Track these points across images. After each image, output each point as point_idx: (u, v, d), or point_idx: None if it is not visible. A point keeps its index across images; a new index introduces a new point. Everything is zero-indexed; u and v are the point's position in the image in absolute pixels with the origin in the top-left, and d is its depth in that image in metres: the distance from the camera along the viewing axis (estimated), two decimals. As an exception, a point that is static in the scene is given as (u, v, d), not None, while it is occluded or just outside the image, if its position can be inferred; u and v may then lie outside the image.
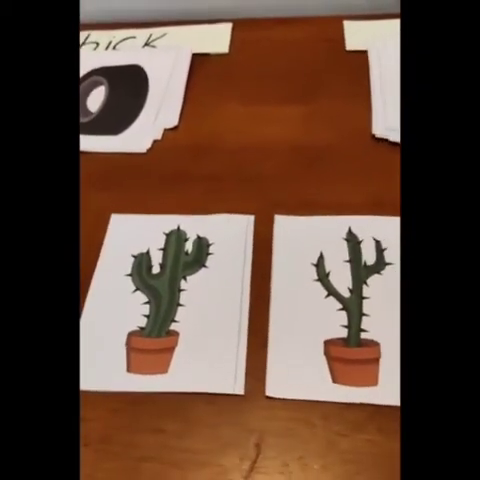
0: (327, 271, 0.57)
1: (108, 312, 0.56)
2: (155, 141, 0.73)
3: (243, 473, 0.46)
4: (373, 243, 0.59)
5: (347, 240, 0.59)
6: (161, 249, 0.61)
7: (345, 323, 0.54)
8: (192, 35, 0.88)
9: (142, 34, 0.88)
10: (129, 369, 0.53)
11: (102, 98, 0.79)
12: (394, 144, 0.68)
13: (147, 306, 0.57)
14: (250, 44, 0.85)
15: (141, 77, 0.81)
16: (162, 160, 0.70)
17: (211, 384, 0.51)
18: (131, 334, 0.55)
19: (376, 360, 0.51)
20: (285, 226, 0.61)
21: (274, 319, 0.54)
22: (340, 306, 0.55)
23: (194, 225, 0.62)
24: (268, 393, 0.50)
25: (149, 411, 0.50)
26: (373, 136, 0.70)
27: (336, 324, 0.54)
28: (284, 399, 0.50)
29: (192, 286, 0.58)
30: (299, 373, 0.51)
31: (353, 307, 0.54)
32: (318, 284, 0.56)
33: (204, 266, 0.59)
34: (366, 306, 0.54)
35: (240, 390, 0.50)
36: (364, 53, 0.81)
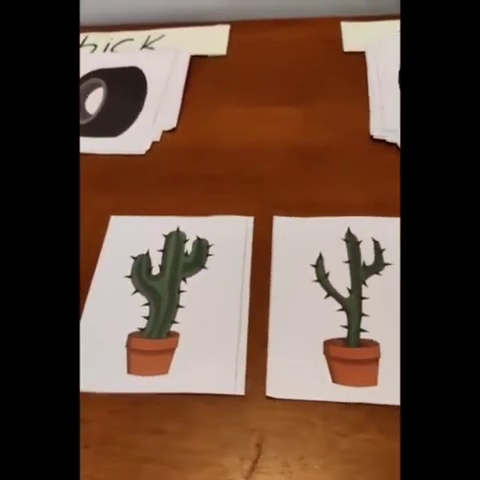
0: (326, 272, 0.57)
1: (108, 314, 0.57)
2: (154, 143, 0.73)
3: (244, 473, 0.46)
4: (372, 244, 0.59)
5: (346, 241, 0.60)
6: (161, 250, 0.61)
7: (345, 323, 0.54)
8: (190, 37, 0.88)
9: (140, 36, 0.89)
10: (129, 370, 0.53)
11: (100, 100, 0.79)
12: (392, 145, 0.69)
13: (147, 307, 0.57)
14: (248, 46, 0.86)
15: (139, 79, 0.82)
16: (161, 162, 0.71)
17: (211, 385, 0.51)
18: (131, 335, 0.55)
19: (376, 360, 0.51)
20: (284, 227, 0.62)
21: (274, 319, 0.54)
22: (339, 306, 0.55)
23: (193, 226, 0.63)
24: (268, 393, 0.50)
25: (149, 412, 0.50)
26: (371, 137, 0.70)
27: (336, 324, 0.54)
28: (284, 399, 0.50)
29: (192, 287, 0.58)
30: (299, 373, 0.51)
31: (352, 307, 0.55)
32: (317, 285, 0.57)
33: (204, 267, 0.59)
34: (365, 306, 0.55)
35: (240, 390, 0.50)
36: (362, 54, 0.81)
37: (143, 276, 0.59)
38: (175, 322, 0.55)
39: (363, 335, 0.53)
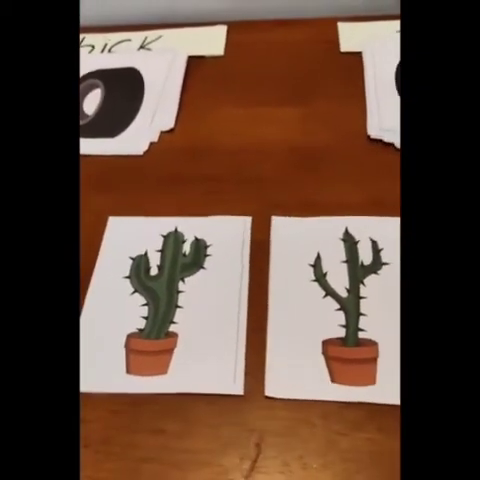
0: (324, 271, 0.57)
1: (107, 314, 0.57)
2: (152, 143, 0.73)
3: (243, 473, 0.47)
4: (370, 243, 0.59)
5: (344, 240, 0.60)
6: (159, 251, 0.61)
7: (343, 323, 0.54)
8: (187, 38, 0.88)
9: (137, 37, 0.89)
10: (128, 371, 0.53)
11: (98, 101, 0.79)
12: (389, 145, 0.69)
13: (145, 308, 0.57)
14: (245, 46, 0.86)
15: (137, 80, 0.82)
16: (159, 162, 0.71)
17: (211, 385, 0.51)
18: (130, 336, 0.55)
19: (374, 359, 0.51)
20: (282, 227, 0.62)
21: (272, 319, 0.55)
22: (338, 306, 0.55)
23: (192, 227, 0.63)
24: (267, 393, 0.50)
25: (149, 412, 0.50)
26: (368, 137, 0.71)
27: (334, 324, 0.54)
28: (283, 399, 0.50)
29: (190, 288, 0.58)
30: (298, 373, 0.51)
31: (351, 307, 0.55)
32: (315, 284, 0.57)
33: (202, 267, 0.59)
34: (363, 306, 0.55)
35: (239, 390, 0.50)
36: (359, 54, 0.82)
37: (141, 276, 0.59)
38: (174, 322, 0.55)
39: (361, 334, 0.53)
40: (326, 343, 0.53)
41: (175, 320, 0.56)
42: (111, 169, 0.70)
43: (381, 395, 0.49)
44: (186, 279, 0.59)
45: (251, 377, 0.51)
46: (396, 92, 0.76)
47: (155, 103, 0.78)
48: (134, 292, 0.58)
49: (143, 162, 0.71)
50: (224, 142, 0.72)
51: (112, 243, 0.62)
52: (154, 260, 0.60)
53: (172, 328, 0.55)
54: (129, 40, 0.88)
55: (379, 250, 0.58)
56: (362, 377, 0.51)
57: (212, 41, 0.87)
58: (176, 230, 0.62)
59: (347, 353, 0.52)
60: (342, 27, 0.87)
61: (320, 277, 0.57)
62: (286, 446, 0.48)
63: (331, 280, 0.57)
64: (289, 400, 0.50)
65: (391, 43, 0.83)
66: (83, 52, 0.87)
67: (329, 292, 0.56)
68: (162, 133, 0.74)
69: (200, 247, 0.61)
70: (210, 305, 0.56)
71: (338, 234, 0.60)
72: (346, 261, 0.58)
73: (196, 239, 0.61)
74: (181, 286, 0.58)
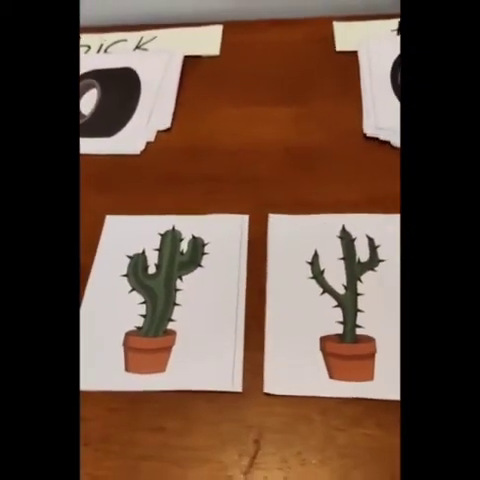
0: (322, 269, 0.58)
1: (105, 312, 0.57)
2: (148, 143, 0.73)
3: (242, 469, 0.47)
4: (366, 240, 0.59)
5: (341, 238, 0.60)
6: (156, 250, 0.61)
7: (340, 319, 0.54)
8: (183, 38, 0.88)
9: (133, 37, 0.89)
10: (127, 368, 0.53)
11: (94, 101, 0.79)
12: (385, 143, 0.69)
13: (143, 306, 0.57)
14: (241, 46, 0.86)
15: (133, 80, 0.82)
16: (156, 161, 0.71)
17: (209, 382, 0.51)
18: (128, 334, 0.55)
19: (372, 355, 0.52)
20: (279, 225, 0.62)
21: (270, 317, 0.55)
22: (335, 303, 0.55)
23: (189, 225, 0.63)
24: (266, 390, 0.50)
25: (148, 410, 0.50)
26: (364, 135, 0.71)
27: (332, 321, 0.54)
28: (282, 395, 0.50)
29: (188, 285, 0.58)
30: (296, 369, 0.51)
31: (348, 303, 0.55)
32: (313, 282, 0.57)
33: (200, 266, 0.60)
34: (361, 302, 0.55)
35: (238, 387, 0.51)
36: (354, 53, 0.82)
37: (139, 275, 0.59)
38: (172, 320, 0.56)
39: (359, 331, 0.53)
40: (324, 340, 0.53)
41: (173, 318, 0.56)
42: (108, 168, 0.70)
43: (379, 391, 0.49)
44: (184, 277, 0.59)
45: (249, 374, 0.51)
46: (392, 91, 0.76)
47: (151, 103, 0.78)
48: (132, 290, 0.58)
49: (140, 161, 0.71)
50: (220, 141, 0.72)
51: (110, 242, 0.62)
52: (152, 259, 0.60)
53: (170, 326, 0.55)
54: (125, 40, 0.89)
55: (376, 247, 0.59)
56: (360, 373, 0.51)
57: (208, 41, 0.87)
58: (173, 229, 0.62)
59: (345, 349, 0.53)
60: (337, 26, 0.87)
61: (317, 274, 0.57)
62: (285, 442, 0.48)
63: (328, 277, 0.57)
64: (287, 396, 0.50)
65: (386, 42, 0.84)
66: (79, 52, 0.87)
67: (326, 289, 0.56)
68: (159, 132, 0.74)
69: (197, 245, 0.61)
70: (208, 303, 0.56)
71: (335, 232, 0.61)
72: (343, 258, 0.58)
73: (193, 237, 0.62)
74: (179, 284, 0.58)
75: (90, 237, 0.62)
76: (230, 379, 0.51)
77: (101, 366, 0.53)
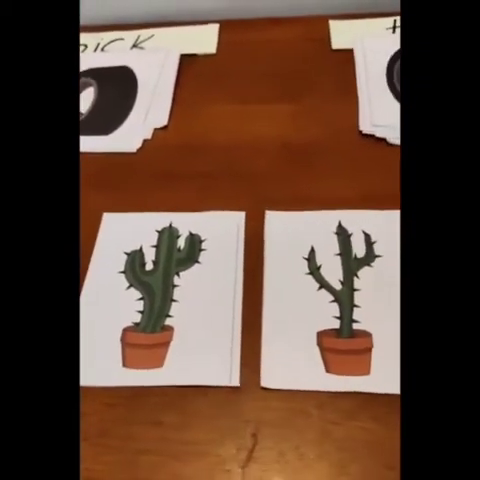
0: (318, 264, 0.58)
1: (102, 309, 0.57)
2: (145, 141, 0.73)
3: (240, 463, 0.47)
4: (363, 236, 0.60)
5: (337, 234, 0.60)
6: (154, 246, 0.61)
7: (337, 314, 0.54)
8: (180, 36, 0.88)
9: (130, 36, 0.89)
10: (125, 364, 0.53)
11: (91, 99, 0.80)
12: (380, 140, 0.70)
13: (141, 302, 0.57)
14: (237, 44, 0.86)
15: (130, 78, 0.82)
16: (153, 159, 0.71)
17: (207, 377, 0.51)
18: (126, 330, 0.55)
19: (368, 350, 0.52)
20: (276, 221, 0.62)
21: (267, 312, 0.55)
22: (332, 298, 0.56)
23: (186, 222, 0.63)
24: (263, 384, 0.51)
25: (146, 405, 0.51)
26: (360, 132, 0.71)
27: (328, 316, 0.55)
28: (279, 390, 0.50)
29: (185, 282, 0.58)
30: (293, 364, 0.52)
31: (345, 299, 0.55)
32: (310, 277, 0.57)
33: (197, 262, 0.60)
34: (357, 297, 0.55)
35: (235, 382, 0.51)
36: (350, 51, 0.82)
37: (137, 271, 0.59)
38: (169, 316, 0.56)
39: (355, 326, 0.54)
40: (321, 334, 0.53)
41: (171, 314, 0.56)
42: (105, 166, 0.70)
43: (375, 385, 0.50)
44: (181, 273, 0.59)
45: (247, 369, 0.52)
46: (387, 88, 0.77)
47: (148, 101, 0.78)
48: (129, 287, 0.58)
49: (137, 159, 0.71)
50: (217, 139, 0.73)
51: (107, 239, 0.63)
52: (149, 255, 0.61)
53: (168, 322, 0.56)
54: (122, 39, 0.89)
55: (372, 243, 0.59)
56: (357, 367, 0.51)
57: (204, 39, 0.87)
58: (171, 225, 0.63)
59: (341, 344, 0.53)
60: (333, 25, 0.87)
61: (314, 270, 0.58)
62: (282, 436, 0.48)
63: (325, 273, 0.57)
64: (285, 391, 0.50)
65: (382, 40, 0.84)
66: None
67: (323, 284, 0.57)
68: (155, 130, 0.74)
69: (195, 242, 0.61)
70: (205, 298, 0.57)
71: (331, 228, 0.61)
72: (340, 254, 0.59)
73: (191, 234, 0.62)
74: (176, 280, 0.58)
75: (87, 234, 0.63)
76: (227, 374, 0.51)
77: (99, 362, 0.53)
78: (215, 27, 0.89)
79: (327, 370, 0.51)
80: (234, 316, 0.55)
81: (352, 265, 0.58)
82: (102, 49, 0.87)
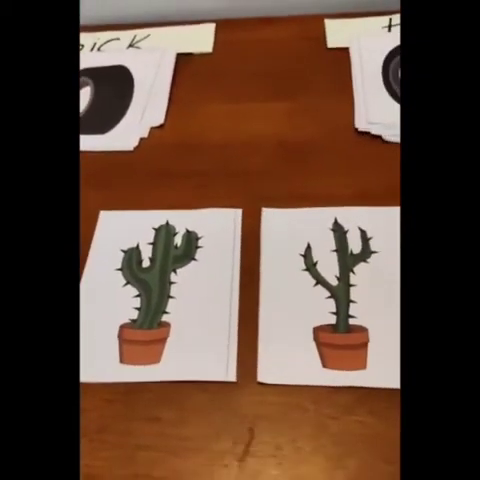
0: (315, 261, 0.58)
1: (99, 306, 0.57)
2: (142, 139, 0.74)
3: (237, 457, 0.47)
4: (358, 233, 0.60)
5: (333, 230, 0.61)
6: (150, 244, 0.62)
7: (333, 310, 0.55)
8: (176, 36, 0.89)
9: (126, 35, 0.89)
10: (122, 360, 0.53)
11: (88, 98, 0.80)
12: (376, 137, 0.70)
13: (138, 299, 0.57)
14: (233, 43, 0.87)
15: (126, 77, 0.82)
16: (149, 157, 0.71)
17: (204, 372, 0.52)
18: (123, 326, 0.55)
19: (364, 344, 0.52)
20: (272, 218, 0.63)
21: (264, 308, 0.55)
22: (328, 294, 0.56)
23: (183, 220, 0.63)
24: (260, 379, 0.51)
25: (143, 400, 0.51)
26: (356, 130, 0.72)
27: (325, 311, 0.55)
28: (276, 385, 0.51)
29: (182, 278, 0.59)
30: (290, 359, 0.52)
31: (341, 294, 0.56)
32: (306, 273, 0.58)
33: (194, 259, 0.60)
34: (353, 293, 0.56)
35: (232, 377, 0.51)
36: (345, 50, 0.83)
37: (134, 268, 0.59)
38: (166, 312, 0.56)
39: (352, 321, 0.54)
40: (317, 330, 0.53)
41: (167, 310, 0.56)
42: (102, 165, 0.71)
43: (371, 379, 0.50)
44: (178, 270, 0.59)
45: (243, 364, 0.52)
46: (383, 86, 0.77)
47: (145, 100, 0.78)
48: (126, 284, 0.59)
49: (133, 157, 0.72)
50: (213, 137, 0.73)
51: (104, 237, 0.63)
52: (146, 253, 0.61)
53: (165, 318, 0.56)
54: (118, 39, 0.89)
55: (368, 239, 0.59)
56: (353, 362, 0.51)
57: (201, 39, 0.88)
58: (167, 223, 0.63)
59: (338, 339, 0.53)
60: (329, 24, 0.88)
61: (310, 266, 0.58)
62: (279, 430, 0.48)
63: (321, 269, 0.58)
64: (281, 386, 0.51)
65: (377, 39, 0.84)
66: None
67: (319, 281, 0.57)
68: (152, 129, 0.75)
69: (191, 239, 0.61)
70: (202, 295, 0.57)
71: (327, 224, 0.61)
72: (336, 250, 0.59)
73: (187, 231, 0.62)
74: (173, 277, 0.59)
75: (85, 232, 0.63)
76: (224, 369, 0.52)
77: (96, 358, 0.53)
78: (211, 26, 0.89)
79: (324, 365, 0.51)
80: (231, 312, 0.55)
81: (348, 261, 0.58)
82: (98, 49, 0.88)
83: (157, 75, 0.82)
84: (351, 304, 0.55)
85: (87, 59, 0.85)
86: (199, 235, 0.62)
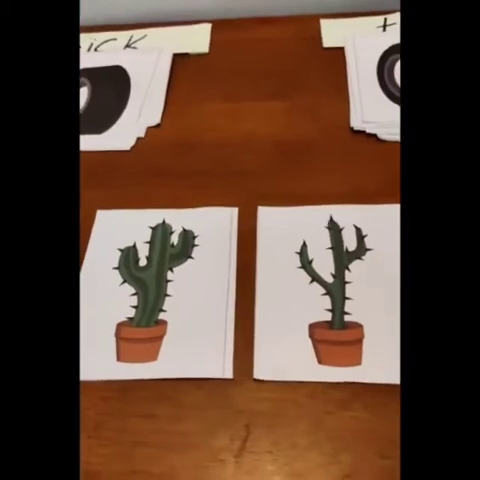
0: (310, 258, 0.59)
1: (97, 304, 0.58)
2: (139, 139, 0.74)
3: (234, 453, 0.48)
4: (354, 230, 0.60)
5: (329, 228, 0.61)
6: (147, 242, 0.62)
7: (329, 307, 0.55)
8: (172, 36, 0.89)
9: (123, 36, 0.90)
10: (119, 358, 0.54)
11: (85, 99, 0.80)
12: (371, 136, 0.71)
13: (135, 297, 0.58)
14: (229, 44, 0.87)
15: (123, 78, 0.83)
16: (146, 157, 0.72)
17: (200, 369, 0.52)
18: (120, 324, 0.56)
19: (360, 341, 0.53)
20: (268, 217, 0.63)
21: (260, 305, 0.56)
22: (324, 291, 0.56)
23: (179, 218, 0.64)
24: (256, 376, 0.51)
25: (140, 397, 0.51)
26: (351, 129, 0.72)
27: (320, 308, 0.55)
28: (271, 381, 0.51)
29: (179, 277, 0.59)
30: (286, 356, 0.52)
31: (336, 291, 0.56)
32: (302, 271, 0.58)
33: (190, 257, 0.60)
34: (349, 290, 0.56)
35: (229, 374, 0.52)
36: (341, 50, 0.83)
37: (131, 267, 0.60)
38: (163, 310, 0.56)
39: (347, 317, 0.54)
40: (313, 326, 0.54)
41: (164, 308, 0.57)
42: (99, 164, 0.71)
43: (367, 375, 0.50)
44: (174, 269, 0.60)
45: (240, 361, 0.52)
46: (378, 85, 0.77)
47: (141, 100, 0.79)
48: (123, 282, 0.59)
49: (130, 157, 0.72)
50: (210, 136, 0.73)
51: (101, 236, 0.63)
52: (143, 252, 0.61)
53: (161, 316, 0.56)
54: (115, 39, 0.89)
55: (363, 237, 0.60)
56: (348, 358, 0.52)
57: (197, 39, 0.88)
58: (164, 222, 0.63)
59: (333, 336, 0.54)
60: (324, 23, 0.88)
61: (306, 264, 0.58)
62: (275, 426, 0.49)
63: (317, 266, 0.58)
64: (277, 382, 0.51)
65: (372, 38, 0.85)
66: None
67: (315, 278, 0.57)
68: (149, 128, 0.75)
69: (188, 238, 0.62)
70: (199, 293, 0.57)
71: (323, 222, 0.62)
72: (331, 248, 0.60)
73: (184, 230, 0.62)
74: (170, 275, 0.59)
75: (82, 231, 0.63)
76: (221, 366, 0.52)
77: (94, 356, 0.54)
78: (207, 27, 0.90)
79: (319, 361, 0.52)
80: (227, 310, 0.56)
81: (343, 258, 0.58)
82: (95, 49, 0.88)
83: (154, 75, 0.82)
84: (346, 301, 0.55)
85: (84, 59, 0.86)
86: (195, 234, 0.62)
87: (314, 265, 0.58)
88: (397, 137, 0.69)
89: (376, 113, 0.73)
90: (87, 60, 0.85)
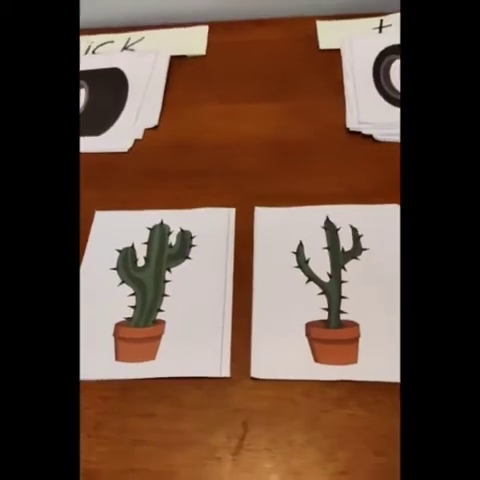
0: (307, 258, 0.59)
1: (95, 305, 0.58)
2: (136, 140, 0.74)
3: (232, 451, 0.48)
4: (350, 230, 0.61)
5: (325, 228, 0.62)
6: (145, 243, 0.62)
7: (325, 306, 0.56)
8: (170, 38, 0.90)
9: (120, 38, 0.90)
10: (117, 358, 0.54)
11: (82, 101, 0.81)
12: (367, 137, 0.71)
13: (133, 297, 0.58)
14: (226, 46, 0.88)
15: (121, 80, 0.83)
16: (144, 158, 0.72)
17: (198, 368, 0.53)
18: (118, 325, 0.56)
19: (356, 339, 0.53)
20: (265, 217, 0.64)
21: (257, 305, 0.56)
22: (320, 290, 0.57)
23: (177, 219, 0.64)
24: (253, 374, 0.52)
25: (139, 397, 0.52)
26: (347, 130, 0.73)
27: (317, 307, 0.56)
28: (269, 379, 0.52)
29: (176, 277, 0.59)
30: (282, 354, 0.53)
31: (332, 291, 0.57)
32: (298, 270, 0.59)
33: (188, 258, 0.61)
34: (345, 289, 0.57)
35: (226, 373, 0.52)
36: (337, 51, 0.84)
37: (129, 267, 0.60)
38: (161, 310, 0.57)
39: (343, 316, 0.55)
40: (309, 325, 0.54)
41: (162, 308, 0.57)
42: (97, 166, 0.71)
43: (363, 373, 0.51)
44: (172, 269, 0.60)
45: (237, 360, 0.53)
46: (374, 86, 0.78)
47: (139, 102, 0.79)
48: (122, 283, 0.60)
49: (128, 158, 0.73)
50: (207, 137, 0.74)
51: (99, 237, 0.64)
52: (141, 252, 0.62)
53: (159, 316, 0.57)
54: (112, 42, 0.90)
55: (359, 237, 0.60)
56: (344, 356, 0.52)
57: (194, 41, 0.89)
58: (162, 222, 0.64)
59: (330, 334, 0.54)
60: (321, 25, 0.89)
61: (303, 263, 0.59)
62: (272, 424, 0.49)
63: (313, 266, 0.59)
64: (274, 380, 0.52)
65: (368, 40, 0.86)
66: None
67: (311, 277, 0.58)
68: (146, 130, 0.76)
69: (186, 238, 0.62)
70: (196, 293, 0.58)
71: (319, 222, 0.62)
72: (327, 248, 0.60)
73: (182, 231, 0.63)
74: (168, 276, 0.60)
75: (80, 232, 0.64)
76: (218, 365, 0.53)
77: (92, 356, 0.54)
78: (204, 29, 0.90)
79: (316, 360, 0.52)
80: (224, 309, 0.56)
81: (340, 258, 0.59)
82: (93, 51, 0.89)
83: (151, 77, 0.83)
84: (342, 300, 0.56)
85: (82, 62, 0.86)
86: (193, 234, 0.63)
87: (310, 265, 0.59)
88: (393, 138, 0.70)
89: (372, 114, 0.74)
90: (85, 62, 0.86)
